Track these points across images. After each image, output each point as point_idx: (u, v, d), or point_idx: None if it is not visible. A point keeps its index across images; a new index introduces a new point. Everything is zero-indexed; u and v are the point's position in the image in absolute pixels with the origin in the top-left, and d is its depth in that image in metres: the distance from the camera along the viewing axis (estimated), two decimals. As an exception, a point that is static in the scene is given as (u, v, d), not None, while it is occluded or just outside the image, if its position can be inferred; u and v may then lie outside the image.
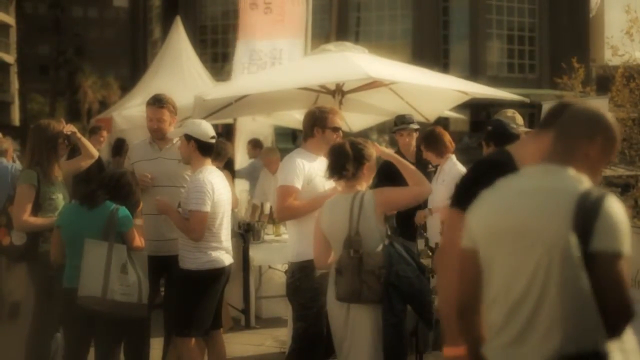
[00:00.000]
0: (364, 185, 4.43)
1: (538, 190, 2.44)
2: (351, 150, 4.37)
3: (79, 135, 5.63)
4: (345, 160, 4.36)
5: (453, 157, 6.55)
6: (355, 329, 4.23)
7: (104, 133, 10.65)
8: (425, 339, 4.68)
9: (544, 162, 2.52)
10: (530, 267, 2.38)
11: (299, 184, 4.78)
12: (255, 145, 11.51)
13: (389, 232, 4.27)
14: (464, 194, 2.90)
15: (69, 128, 5.48)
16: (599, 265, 2.29)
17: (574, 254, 2.30)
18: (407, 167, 4.55)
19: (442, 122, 14.45)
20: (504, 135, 4.81)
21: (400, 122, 7.23)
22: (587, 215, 2.30)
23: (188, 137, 5.00)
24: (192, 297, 4.97)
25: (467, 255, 2.60)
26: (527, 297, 2.39)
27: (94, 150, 5.82)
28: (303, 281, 4.75)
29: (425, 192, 4.62)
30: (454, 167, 6.42)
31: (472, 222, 2.59)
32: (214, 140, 5.08)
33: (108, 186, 4.81)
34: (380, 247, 4.17)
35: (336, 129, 4.95)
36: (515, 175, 2.61)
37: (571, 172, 2.44)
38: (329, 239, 4.36)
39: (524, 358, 2.39)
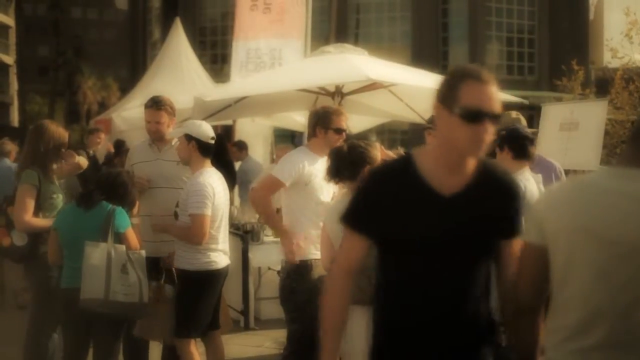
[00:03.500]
0: None
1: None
2: (349, 154, 4.35)
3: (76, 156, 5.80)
4: (340, 164, 4.36)
5: None
6: (353, 330, 4.24)
7: (102, 135, 10.70)
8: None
9: (624, 165, 2.42)
10: (629, 272, 2.29)
11: (287, 182, 4.83)
12: (241, 147, 11.42)
13: None
14: (356, 211, 2.69)
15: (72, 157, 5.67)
16: None
17: None
18: None
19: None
20: (519, 139, 4.79)
21: (430, 122, 7.29)
22: None
23: (189, 137, 4.99)
24: (190, 298, 4.96)
25: (534, 252, 2.47)
26: (621, 302, 2.30)
27: (85, 163, 5.90)
28: (299, 282, 4.74)
29: None
30: None
31: (547, 217, 2.43)
32: (213, 141, 5.08)
33: (104, 186, 4.81)
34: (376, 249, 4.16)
35: (339, 131, 4.92)
36: (598, 175, 2.49)
37: None
38: (333, 242, 4.37)
39: None
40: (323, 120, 4.92)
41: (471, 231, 2.53)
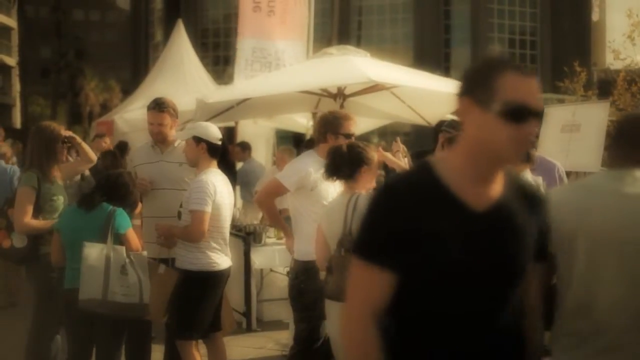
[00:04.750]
0: (365, 188, 4.49)
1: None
2: (348, 153, 4.46)
3: (78, 140, 5.64)
4: (340, 162, 4.46)
5: None
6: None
7: (107, 140, 10.70)
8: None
9: (619, 166, 2.47)
10: (632, 274, 2.32)
11: (292, 188, 4.94)
12: (244, 148, 11.43)
13: None
14: (376, 239, 2.12)
15: (67, 134, 5.49)
16: None
17: None
18: None
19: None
20: None
21: (450, 125, 7.35)
22: None
23: (198, 140, 5.01)
24: (191, 299, 4.97)
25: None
26: (628, 306, 2.33)
27: (93, 155, 5.83)
28: (307, 283, 4.77)
29: None
30: None
31: (555, 224, 2.34)
32: (221, 142, 5.11)
33: (105, 187, 4.82)
34: None
35: (349, 136, 4.99)
36: (599, 178, 2.54)
37: None
38: (328, 241, 4.41)
39: None
40: (333, 126, 5.00)
41: (509, 252, 2.11)
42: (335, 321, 4.36)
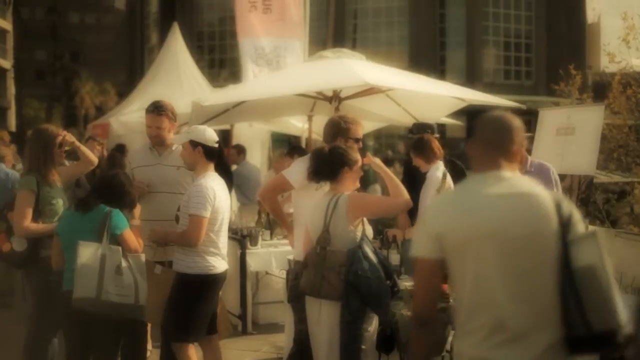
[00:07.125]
0: (349, 189, 4.58)
1: (515, 195, 2.57)
2: (329, 154, 4.57)
3: (77, 143, 5.64)
4: (321, 163, 4.58)
5: (438, 164, 6.38)
6: (325, 325, 4.35)
7: (101, 144, 10.65)
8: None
9: (486, 169, 2.65)
10: (522, 269, 2.50)
11: (296, 185, 5.04)
12: (239, 151, 11.45)
13: (365, 235, 4.43)
14: None
15: (68, 137, 5.47)
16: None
17: (563, 252, 2.48)
18: (390, 179, 4.74)
19: (439, 128, 14.44)
20: None
21: (412, 130, 7.37)
22: (567, 218, 2.52)
23: (194, 144, 5.03)
24: (188, 302, 4.98)
25: (429, 266, 2.65)
26: (522, 296, 2.50)
27: (93, 157, 5.82)
28: None
29: (399, 204, 4.77)
30: (432, 175, 6.24)
31: (445, 231, 2.61)
32: (217, 145, 5.12)
33: (101, 189, 4.84)
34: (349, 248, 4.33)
35: (357, 140, 5.09)
36: (473, 183, 2.68)
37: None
38: (312, 240, 4.54)
39: (527, 349, 2.50)
40: (344, 131, 5.09)
41: None
42: (314, 317, 4.47)
